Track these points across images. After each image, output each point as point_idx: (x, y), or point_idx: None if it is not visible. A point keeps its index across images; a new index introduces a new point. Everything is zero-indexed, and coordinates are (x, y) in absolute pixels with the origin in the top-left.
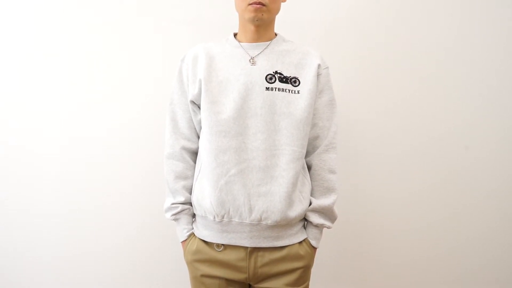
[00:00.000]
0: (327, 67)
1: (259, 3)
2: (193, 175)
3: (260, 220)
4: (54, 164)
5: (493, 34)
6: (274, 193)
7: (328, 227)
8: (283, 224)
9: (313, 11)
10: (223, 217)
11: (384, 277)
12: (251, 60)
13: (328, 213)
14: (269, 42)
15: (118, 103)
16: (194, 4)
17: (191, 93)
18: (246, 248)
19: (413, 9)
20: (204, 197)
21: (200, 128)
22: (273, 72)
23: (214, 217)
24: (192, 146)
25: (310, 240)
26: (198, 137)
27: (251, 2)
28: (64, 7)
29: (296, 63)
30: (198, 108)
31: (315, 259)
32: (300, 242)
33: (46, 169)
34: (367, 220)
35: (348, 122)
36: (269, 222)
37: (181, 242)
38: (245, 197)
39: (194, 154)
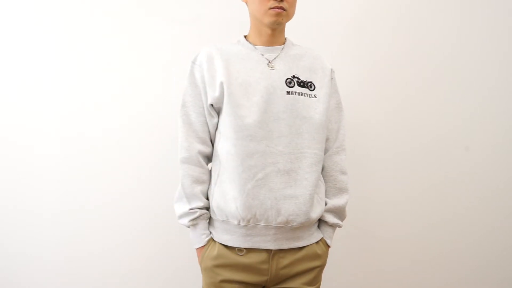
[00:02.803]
0: (334, 71)
1: (280, 8)
2: (208, 180)
3: (286, 222)
4: (55, 164)
5: (492, 35)
6: (299, 196)
7: (340, 227)
8: (305, 225)
9: (320, 13)
10: (249, 221)
11: (383, 278)
12: (269, 64)
13: (340, 213)
14: (282, 46)
15: (117, 103)
16: (194, 4)
17: (211, 96)
18: (269, 250)
19: (415, 11)
20: (227, 201)
21: (215, 131)
22: (292, 76)
23: (239, 222)
24: (206, 150)
25: (326, 239)
26: (211, 141)
27: (272, 6)
28: (63, 7)
29: (309, 67)
30: (215, 112)
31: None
32: (317, 242)
33: (47, 168)
34: (366, 221)
35: (348, 124)
36: (295, 224)
37: (198, 248)
38: (272, 201)
39: (208, 158)
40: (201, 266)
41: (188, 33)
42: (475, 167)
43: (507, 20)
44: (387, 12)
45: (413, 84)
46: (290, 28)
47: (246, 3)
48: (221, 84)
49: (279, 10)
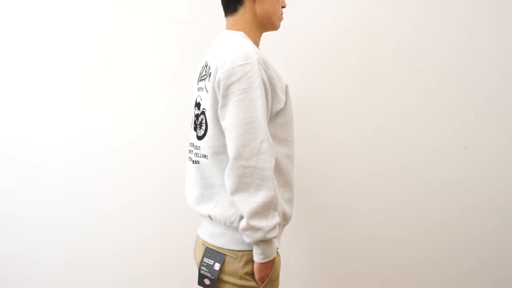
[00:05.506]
0: None
1: None
2: None
3: None
4: (63, 168)
5: (492, 35)
6: None
7: None
8: None
9: (320, 14)
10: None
11: (384, 278)
12: None
13: None
14: None
15: (117, 106)
16: (194, 4)
17: (283, 100)
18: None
19: (414, 11)
20: (285, 204)
21: None
22: None
23: (288, 222)
24: None
25: None
26: None
27: (281, 12)
28: (61, 8)
29: None
30: None
31: (319, 262)
32: None
33: (53, 174)
34: (366, 221)
35: (346, 123)
36: None
37: (272, 259)
38: None
39: None
40: (272, 276)
41: (188, 33)
42: (474, 167)
43: (507, 19)
44: (386, 14)
45: (413, 84)
46: (290, 30)
47: (251, 1)
48: (287, 86)
49: None
